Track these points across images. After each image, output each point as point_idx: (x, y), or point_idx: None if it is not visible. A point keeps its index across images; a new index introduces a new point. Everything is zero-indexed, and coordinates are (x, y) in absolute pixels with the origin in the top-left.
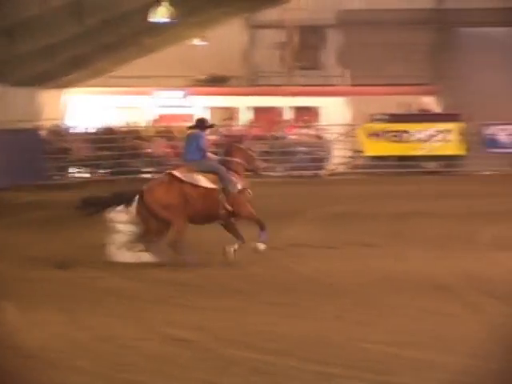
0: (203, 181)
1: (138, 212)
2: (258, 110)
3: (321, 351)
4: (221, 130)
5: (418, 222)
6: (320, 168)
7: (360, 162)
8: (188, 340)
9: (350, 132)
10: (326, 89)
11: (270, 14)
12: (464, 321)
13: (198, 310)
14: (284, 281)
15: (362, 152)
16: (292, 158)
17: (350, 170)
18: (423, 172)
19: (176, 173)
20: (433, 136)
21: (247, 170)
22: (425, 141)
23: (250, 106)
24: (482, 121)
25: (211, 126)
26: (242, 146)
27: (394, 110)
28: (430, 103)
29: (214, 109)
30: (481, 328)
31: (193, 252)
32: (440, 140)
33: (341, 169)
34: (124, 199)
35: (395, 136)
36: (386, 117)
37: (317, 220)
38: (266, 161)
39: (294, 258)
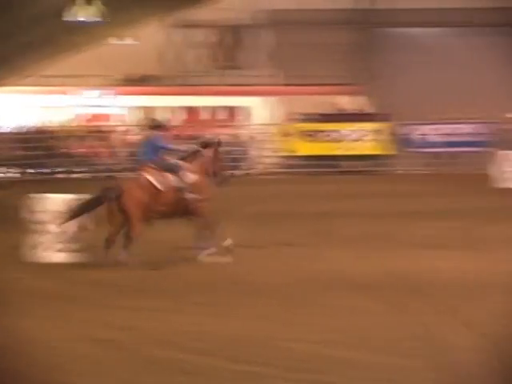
0: (168, 180)
1: (110, 212)
2: (186, 110)
3: (246, 351)
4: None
5: (344, 222)
6: (247, 168)
7: (290, 161)
8: (115, 340)
9: (278, 132)
10: (254, 88)
11: (202, 14)
12: (387, 319)
13: (125, 311)
14: (210, 281)
15: (291, 152)
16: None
17: (279, 170)
18: (351, 171)
19: (148, 175)
20: (360, 136)
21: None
22: (353, 140)
23: (177, 105)
24: (406, 121)
25: (164, 127)
26: (218, 149)
27: (323, 110)
28: (358, 103)
29: (138, 108)
30: (404, 326)
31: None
32: (367, 140)
33: (268, 168)
34: (99, 202)
35: (325, 136)
36: (314, 116)
37: (242, 220)
38: None
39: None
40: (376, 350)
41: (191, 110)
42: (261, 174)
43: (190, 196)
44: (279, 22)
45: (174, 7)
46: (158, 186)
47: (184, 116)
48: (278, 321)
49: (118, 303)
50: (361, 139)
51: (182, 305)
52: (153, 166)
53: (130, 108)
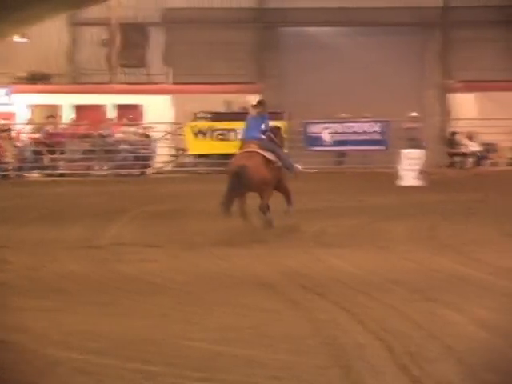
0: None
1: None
2: (82, 108)
3: (144, 350)
4: (45, 128)
5: (238, 220)
6: (145, 166)
7: (185, 160)
8: (9, 342)
9: (174, 130)
10: (150, 87)
11: (94, 12)
12: (286, 317)
13: (18, 311)
14: (107, 280)
15: (186, 150)
16: (116, 157)
17: (175, 169)
18: None
19: (261, 151)
20: None
21: None
22: None
23: (74, 103)
24: (305, 119)
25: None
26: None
27: (219, 109)
28: (254, 102)
29: (36, 106)
30: (302, 324)
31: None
32: None
33: (166, 167)
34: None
35: (220, 134)
36: (211, 115)
37: (141, 219)
38: (90, 159)
39: (117, 256)
40: (275, 348)
41: (87, 109)
42: (158, 173)
43: (284, 174)
44: (175, 20)
45: (74, 5)
46: (270, 161)
47: (76, 114)
48: (176, 320)
49: (11, 304)
50: None
51: (77, 304)
52: (257, 143)
53: (28, 106)
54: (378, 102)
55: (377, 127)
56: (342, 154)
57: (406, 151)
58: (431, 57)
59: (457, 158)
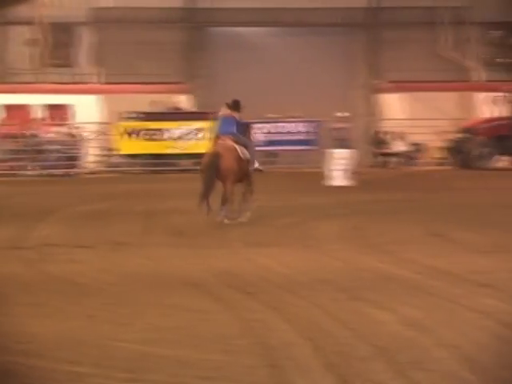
0: (243, 151)
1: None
2: (11, 108)
3: (71, 351)
4: None
5: (172, 220)
6: (74, 166)
7: (115, 160)
8: None
9: (104, 130)
10: (79, 87)
11: (22, 11)
12: (214, 317)
13: None
14: (35, 281)
15: (116, 150)
16: (45, 157)
17: (104, 169)
18: (178, 170)
19: (234, 144)
20: (186, 134)
21: None
22: (179, 139)
23: (2, 103)
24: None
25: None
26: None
27: (148, 109)
28: (183, 102)
29: None
30: (231, 324)
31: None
32: (193, 138)
33: (96, 167)
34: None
35: (149, 134)
36: (140, 115)
37: (70, 219)
38: (18, 159)
39: (45, 257)
40: (204, 348)
41: (15, 108)
42: (88, 173)
43: (250, 168)
44: (104, 20)
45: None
46: (241, 155)
47: (5, 114)
48: (104, 320)
49: None
50: (189, 138)
51: (5, 306)
52: (232, 138)
53: None
54: (308, 101)
55: (307, 127)
56: (273, 153)
57: (335, 151)
58: (359, 57)
59: (385, 158)
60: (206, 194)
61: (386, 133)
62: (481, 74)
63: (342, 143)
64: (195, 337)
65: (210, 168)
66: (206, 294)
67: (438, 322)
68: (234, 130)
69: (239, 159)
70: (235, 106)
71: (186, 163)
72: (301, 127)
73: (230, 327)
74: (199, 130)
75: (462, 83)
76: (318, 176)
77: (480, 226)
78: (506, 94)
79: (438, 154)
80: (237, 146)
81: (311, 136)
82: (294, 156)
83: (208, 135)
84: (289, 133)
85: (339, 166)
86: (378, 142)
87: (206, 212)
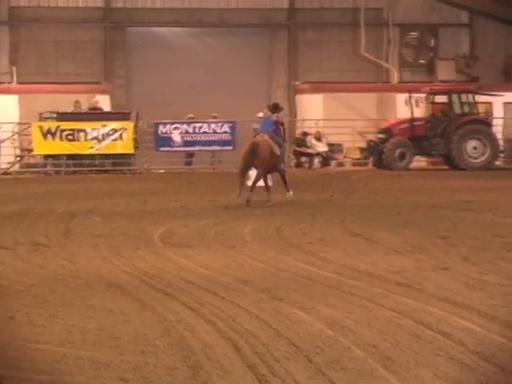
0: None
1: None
2: None
3: None
4: None
5: (89, 221)
6: None
7: (34, 160)
8: None
9: (21, 130)
10: None
11: None
12: (134, 318)
13: None
14: None
15: (33, 151)
16: None
17: (21, 169)
18: (97, 171)
19: (269, 140)
20: (106, 135)
21: None
22: (98, 139)
23: None
24: (154, 119)
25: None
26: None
27: (66, 109)
28: (102, 102)
29: None
30: (151, 325)
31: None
32: (112, 139)
33: (12, 168)
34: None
35: (68, 135)
36: (58, 115)
37: None
38: None
39: None
40: (123, 349)
41: None
42: (3, 174)
43: (281, 164)
44: (20, 19)
45: None
46: (274, 150)
47: None
48: (22, 322)
49: None
50: (108, 138)
51: None
52: (268, 135)
53: None
54: (227, 102)
55: (225, 127)
56: (191, 154)
57: None
58: (279, 58)
59: (304, 158)
60: (241, 177)
61: (306, 133)
62: (399, 75)
63: None
64: (115, 338)
65: (249, 155)
66: (127, 295)
67: (356, 321)
68: (271, 129)
69: (272, 152)
70: (274, 108)
71: (104, 164)
72: (220, 128)
73: (150, 328)
74: (118, 130)
75: (381, 84)
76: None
77: (398, 226)
78: (422, 95)
79: (356, 155)
80: (271, 142)
81: (230, 136)
82: (212, 156)
83: (127, 135)
84: (208, 133)
85: None
86: (299, 142)
87: (238, 194)
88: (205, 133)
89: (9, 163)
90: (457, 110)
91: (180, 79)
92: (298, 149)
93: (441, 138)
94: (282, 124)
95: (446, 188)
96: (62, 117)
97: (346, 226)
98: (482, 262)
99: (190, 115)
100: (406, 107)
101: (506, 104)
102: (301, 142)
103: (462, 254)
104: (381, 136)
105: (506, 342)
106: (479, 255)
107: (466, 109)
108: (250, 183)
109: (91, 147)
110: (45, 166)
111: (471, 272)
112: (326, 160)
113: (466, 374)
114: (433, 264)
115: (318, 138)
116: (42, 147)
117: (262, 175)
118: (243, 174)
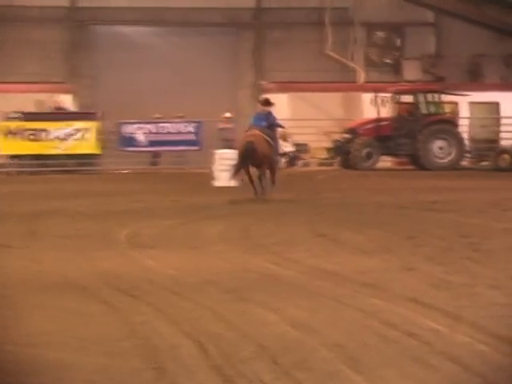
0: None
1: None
2: None
3: None
4: None
5: (54, 222)
6: None
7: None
8: None
9: None
10: None
11: None
12: (99, 320)
13: None
14: None
15: None
16: None
17: None
18: (61, 171)
19: (262, 134)
20: (70, 135)
21: None
22: (62, 139)
23: None
24: (119, 119)
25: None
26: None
27: (30, 109)
28: (67, 101)
29: None
30: (116, 327)
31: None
32: (77, 139)
33: None
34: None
35: (32, 135)
36: (22, 115)
37: None
38: None
39: None
40: (88, 351)
41: None
42: None
43: (275, 157)
44: None
45: None
46: (270, 141)
47: None
48: None
49: None
50: (73, 138)
51: None
52: (259, 129)
53: None
54: (193, 102)
55: (191, 127)
56: (156, 154)
57: (219, 152)
58: (245, 57)
59: None
60: (236, 173)
61: None
62: (366, 75)
63: (227, 144)
64: (81, 339)
65: (246, 154)
66: (92, 297)
67: (323, 321)
68: (263, 124)
69: (270, 145)
70: (266, 102)
71: (68, 164)
72: (185, 128)
73: (114, 330)
74: (83, 130)
75: (347, 84)
76: (203, 177)
77: (364, 227)
78: (388, 95)
79: (323, 155)
80: (263, 135)
81: (195, 136)
82: (177, 156)
83: (92, 135)
84: (173, 133)
85: (225, 167)
86: None
87: (256, 193)
88: (169, 133)
89: None
90: (423, 109)
91: (146, 79)
92: None
93: (407, 137)
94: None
95: (412, 188)
96: (28, 117)
97: (312, 226)
98: (447, 263)
99: (157, 115)
100: (372, 107)
101: (471, 104)
102: None
103: (427, 254)
104: (347, 136)
105: (472, 342)
106: (445, 255)
107: (432, 109)
108: (216, 183)
109: (56, 147)
110: (8, 166)
111: (437, 272)
112: (292, 160)
113: (431, 374)
114: (399, 264)
115: (284, 138)
116: (6, 147)
117: (265, 170)
118: (238, 174)
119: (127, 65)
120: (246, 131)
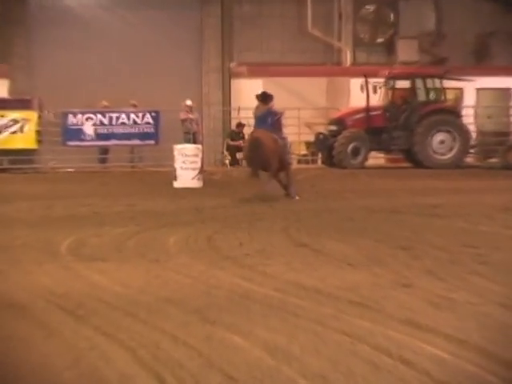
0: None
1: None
2: None
3: None
4: None
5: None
6: None
7: None
8: None
9: None
10: None
11: None
12: (38, 345)
13: None
14: None
15: None
16: None
17: None
18: None
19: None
20: (3, 127)
21: None
22: None
23: None
24: (61, 108)
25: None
26: None
27: None
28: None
29: None
30: (58, 353)
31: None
32: (12, 131)
33: None
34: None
35: None
36: None
37: None
38: None
39: None
40: (28, 382)
41: None
42: None
43: (287, 155)
44: None
45: None
46: (279, 142)
47: None
48: None
49: None
50: (6, 130)
51: None
52: (266, 129)
53: None
54: (149, 88)
55: (147, 118)
56: (105, 149)
57: (180, 146)
58: (210, 36)
59: (240, 155)
60: (254, 174)
61: (242, 124)
62: (353, 56)
63: (190, 137)
64: (14, 367)
65: (252, 154)
66: (29, 318)
67: (303, 347)
68: (268, 125)
69: (277, 142)
70: (264, 97)
71: (3, 161)
72: (138, 118)
73: (56, 357)
74: (19, 121)
75: (332, 67)
76: (161, 176)
77: (351, 235)
78: (380, 80)
79: (302, 150)
80: (270, 133)
81: (151, 128)
82: (131, 152)
83: (29, 127)
84: (124, 125)
85: (187, 165)
86: (233, 135)
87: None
88: (123, 124)
89: None
90: (421, 97)
91: (94, 60)
92: (232, 143)
93: (402, 130)
94: (279, 117)
95: (408, 189)
96: None
97: (289, 234)
98: (449, 277)
99: (104, 103)
100: (362, 94)
101: (478, 90)
102: (235, 134)
103: (426, 267)
104: (332, 128)
105: (478, 372)
106: (446, 269)
107: (432, 96)
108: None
109: None
110: None
111: (437, 289)
112: None
113: None
114: (392, 279)
115: (310, 126)
116: None
117: (274, 168)
118: (256, 174)
119: (70, 43)
120: (251, 134)
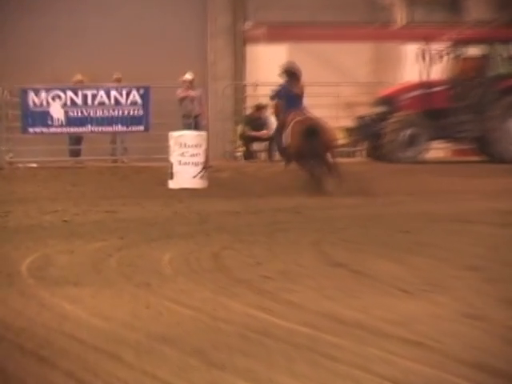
0: None
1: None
2: None
3: None
4: None
5: None
6: None
7: None
8: None
9: None
10: None
11: None
12: None
13: None
14: None
15: None
16: None
17: None
18: None
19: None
20: None
21: None
22: None
23: None
24: (22, 84)
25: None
26: None
27: None
28: None
29: None
30: None
31: None
32: None
33: None
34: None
35: None
36: None
37: None
38: None
39: None
40: None
41: None
42: None
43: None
44: None
45: None
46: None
47: None
48: None
49: None
50: None
51: None
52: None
53: None
54: (137, 57)
55: (134, 96)
56: (78, 138)
57: (177, 134)
58: None
59: (257, 146)
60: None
61: (260, 106)
62: (408, 15)
63: (190, 122)
64: None
65: (310, 134)
66: None
67: None
68: (302, 107)
69: (331, 129)
70: (289, 74)
71: None
72: (123, 97)
73: None
74: None
75: (379, 28)
76: (152, 173)
77: (404, 252)
78: (442, 46)
79: (341, 139)
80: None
81: (138, 111)
82: (112, 142)
83: None
84: (103, 105)
85: (186, 158)
86: (249, 121)
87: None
88: (101, 105)
89: None
90: (497, 69)
91: (62, 22)
92: (253, 134)
93: (473, 112)
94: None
95: (479, 191)
96: None
97: (322, 250)
98: None
99: (78, 77)
100: (419, 65)
101: None
102: (253, 120)
103: (502, 294)
104: (379, 110)
105: None
106: None
107: None
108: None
109: None
110: None
111: None
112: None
113: None
114: (458, 310)
115: (350, 107)
116: None
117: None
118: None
119: (37, 5)
120: (288, 117)
